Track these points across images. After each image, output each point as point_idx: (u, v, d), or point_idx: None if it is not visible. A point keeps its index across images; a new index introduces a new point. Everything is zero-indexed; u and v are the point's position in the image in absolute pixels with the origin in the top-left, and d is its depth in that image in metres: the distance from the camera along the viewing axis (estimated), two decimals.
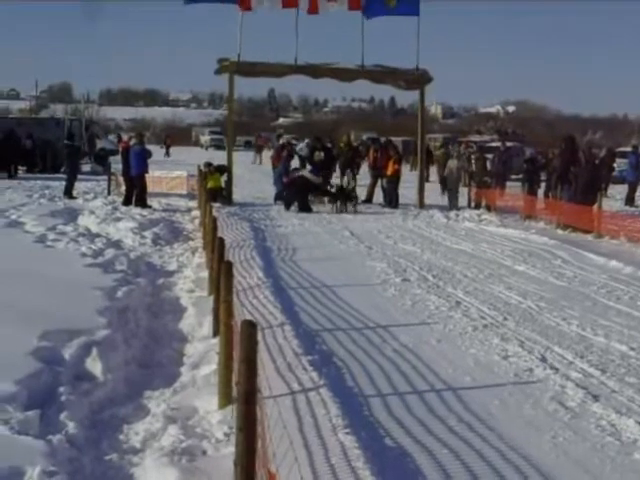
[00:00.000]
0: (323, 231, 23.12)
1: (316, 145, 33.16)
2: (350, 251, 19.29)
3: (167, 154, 63.57)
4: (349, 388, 8.88)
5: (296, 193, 28.64)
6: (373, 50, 32.26)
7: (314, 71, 31.89)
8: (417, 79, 32.12)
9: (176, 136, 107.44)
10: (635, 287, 14.91)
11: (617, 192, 34.71)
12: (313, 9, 30.44)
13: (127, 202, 28.05)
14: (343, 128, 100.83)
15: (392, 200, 30.65)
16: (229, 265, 8.86)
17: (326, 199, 29.20)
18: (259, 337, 7.17)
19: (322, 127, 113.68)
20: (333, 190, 29.58)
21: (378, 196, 31.65)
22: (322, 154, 31.78)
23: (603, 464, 6.95)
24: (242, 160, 48.92)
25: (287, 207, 28.67)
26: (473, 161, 33.20)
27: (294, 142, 55.71)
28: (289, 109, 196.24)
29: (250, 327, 5.57)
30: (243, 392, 5.40)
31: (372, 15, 31.21)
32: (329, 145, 35.26)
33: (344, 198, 28.76)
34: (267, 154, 63.56)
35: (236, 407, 5.54)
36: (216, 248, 11.41)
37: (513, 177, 34.87)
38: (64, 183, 31.30)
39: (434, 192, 33.32)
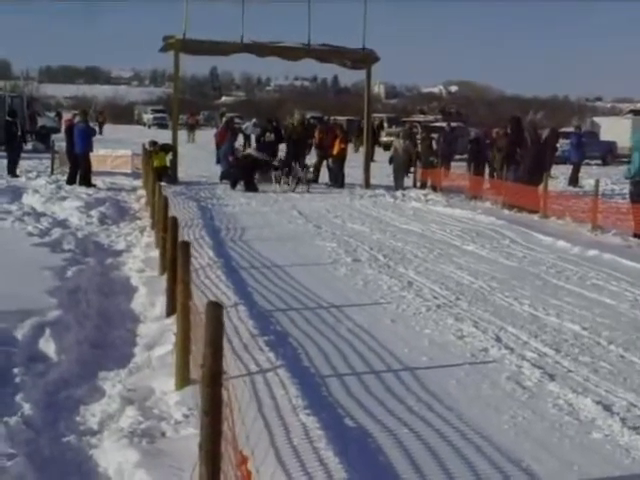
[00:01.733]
0: (271, 210, 23.07)
1: (267, 126, 33.51)
2: (299, 230, 19.26)
3: (100, 132, 62.89)
4: (306, 368, 8.85)
5: (242, 172, 28.51)
6: (319, 29, 32.18)
7: (261, 50, 31.75)
8: (363, 58, 32.14)
9: (118, 114, 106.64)
10: (584, 267, 15.05)
11: (560, 172, 34.98)
12: None
13: (71, 181, 27.75)
14: (286, 107, 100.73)
15: (338, 180, 30.65)
16: (186, 245, 8.79)
17: (274, 178, 29.06)
18: None
19: (265, 106, 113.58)
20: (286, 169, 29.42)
21: (324, 176, 31.62)
22: (272, 135, 32.05)
23: (562, 443, 7.00)
24: (183, 139, 48.60)
25: (233, 186, 28.55)
26: (419, 141, 33.22)
27: (238, 121, 55.53)
28: (232, 87, 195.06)
29: (216, 308, 5.51)
30: (209, 374, 5.34)
31: None
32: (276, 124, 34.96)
33: (300, 176, 28.93)
34: (200, 133, 63.39)
35: (200, 389, 5.47)
36: (169, 227, 11.30)
37: (458, 157, 34.99)
38: (5, 161, 30.87)
39: (380, 172, 33.35)
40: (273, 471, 5.97)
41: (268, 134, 32.28)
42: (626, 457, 6.71)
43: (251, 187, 28.09)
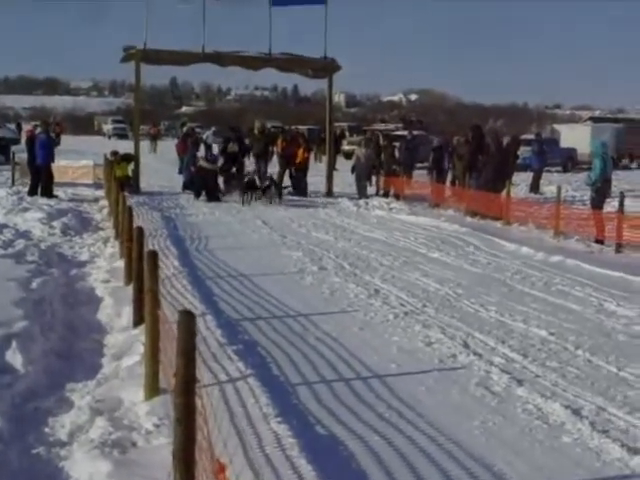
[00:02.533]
0: (234, 220, 23.05)
1: (230, 136, 32.77)
2: (264, 240, 19.25)
3: (56, 143, 62.41)
4: (276, 377, 8.85)
5: (204, 182, 28.46)
6: (280, 39, 32.16)
7: (222, 59, 31.71)
8: (325, 67, 32.19)
9: (77, 125, 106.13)
10: (548, 273, 15.16)
11: (521, 180, 35.18)
12: None
13: (33, 192, 27.54)
14: (247, 116, 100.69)
15: (301, 188, 30.67)
16: (154, 254, 8.77)
17: (237, 191, 28.28)
18: None
19: (226, 115, 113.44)
20: (266, 183, 28.43)
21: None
22: (236, 145, 31.12)
23: (533, 447, 7.05)
24: (145, 150, 48.42)
25: (196, 196, 28.49)
26: (381, 149, 33.30)
27: (198, 130, 55.43)
28: (192, 97, 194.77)
29: (188, 317, 5.50)
30: (181, 383, 5.34)
31: (279, 4, 31.12)
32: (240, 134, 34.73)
33: (274, 190, 27.96)
34: (162, 143, 63.17)
35: (173, 398, 5.46)
36: (135, 237, 11.26)
37: (419, 165, 35.11)
38: None
39: (342, 181, 33.40)
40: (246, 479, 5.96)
41: (231, 144, 31.11)
42: (596, 460, 6.77)
43: (213, 197, 28.04)
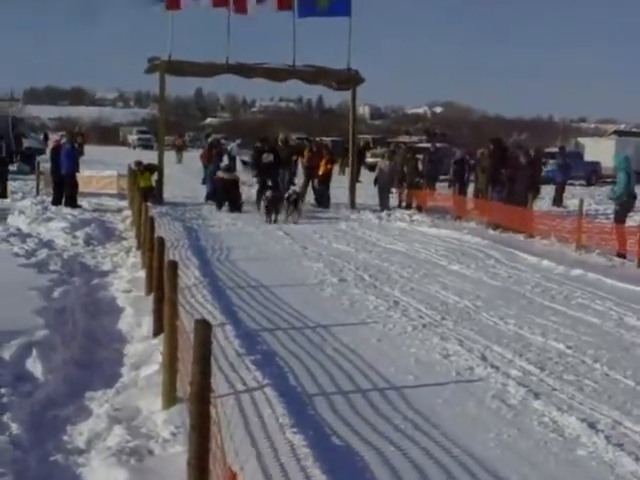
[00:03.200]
0: (257, 231, 23.11)
1: (263, 147, 31.23)
2: (285, 251, 19.31)
3: (80, 153, 62.56)
4: (293, 387, 8.89)
5: (226, 193, 28.55)
6: (304, 50, 32.26)
7: (246, 71, 31.82)
8: (349, 79, 32.19)
9: (103, 135, 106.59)
10: (568, 286, 15.15)
11: (545, 192, 35.09)
12: (241, 9, 30.43)
13: (57, 202, 27.71)
14: (272, 128, 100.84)
15: (324, 200, 30.71)
16: (174, 264, 8.82)
17: (261, 207, 26.82)
18: None
19: (251, 127, 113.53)
20: (292, 197, 26.49)
21: (309, 196, 31.68)
22: (270, 156, 29.81)
23: (548, 460, 7.06)
24: (171, 160, 48.63)
25: (219, 207, 28.58)
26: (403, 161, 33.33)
27: (223, 141, 55.57)
28: (217, 109, 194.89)
29: (205, 326, 5.57)
30: (197, 391, 5.40)
31: (303, 15, 31.19)
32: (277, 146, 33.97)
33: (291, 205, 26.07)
34: (187, 154, 63.35)
35: (189, 406, 5.52)
36: (156, 247, 11.33)
37: (442, 178, 35.12)
38: None
39: (365, 193, 33.43)
40: None
41: (266, 155, 29.82)
42: (610, 473, 6.78)
43: (235, 208, 28.13)
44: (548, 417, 8.10)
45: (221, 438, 5.26)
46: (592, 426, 7.81)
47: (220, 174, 29.45)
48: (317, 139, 52.44)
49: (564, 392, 8.90)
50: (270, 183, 28.68)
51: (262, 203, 26.93)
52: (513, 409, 8.34)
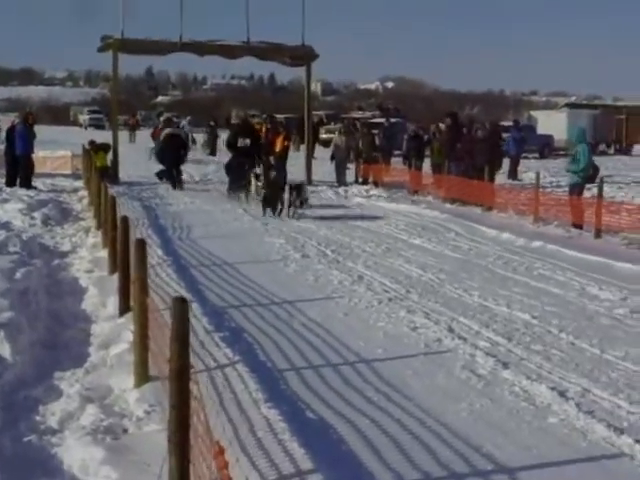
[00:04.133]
0: (215, 209, 23.04)
1: (239, 130, 27.70)
2: (246, 228, 19.30)
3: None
4: (263, 363, 8.92)
5: (171, 151, 29.13)
6: (257, 27, 32.10)
7: (200, 48, 31.73)
8: (303, 55, 32.15)
9: (53, 115, 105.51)
10: (529, 258, 15.30)
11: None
12: None
13: (11, 183, 27.46)
14: (224, 105, 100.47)
15: (281, 177, 30.63)
16: (142, 243, 8.79)
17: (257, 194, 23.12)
18: (167, 316, 7.19)
19: (202, 105, 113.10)
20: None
21: None
22: (247, 140, 26.22)
23: (520, 428, 7.14)
24: (123, 140, 48.30)
25: (173, 186, 28.52)
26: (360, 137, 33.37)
27: (175, 120, 55.27)
28: (168, 87, 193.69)
29: (182, 304, 5.56)
30: (176, 369, 5.40)
31: None
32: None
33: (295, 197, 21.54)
34: (139, 133, 62.94)
35: (169, 384, 5.52)
36: (121, 227, 11.29)
37: (397, 153, 35.17)
38: None
39: (321, 169, 33.39)
40: (240, 463, 6.02)
41: (242, 139, 26.23)
42: (582, 440, 6.87)
43: (179, 185, 28.69)
44: (518, 386, 8.18)
45: (205, 415, 5.26)
46: (562, 394, 7.90)
47: (167, 130, 29.50)
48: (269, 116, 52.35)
49: (532, 362, 9.00)
50: (247, 168, 25.05)
51: (249, 191, 23.89)
52: (483, 379, 8.42)
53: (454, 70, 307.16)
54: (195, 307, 10.92)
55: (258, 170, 24.36)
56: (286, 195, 21.80)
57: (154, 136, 35.58)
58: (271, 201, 21.52)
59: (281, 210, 21.43)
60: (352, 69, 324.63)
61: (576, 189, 20.15)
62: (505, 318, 10.87)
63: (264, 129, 32.11)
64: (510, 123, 43.34)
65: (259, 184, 23.28)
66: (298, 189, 21.81)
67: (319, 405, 7.62)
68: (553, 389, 8.03)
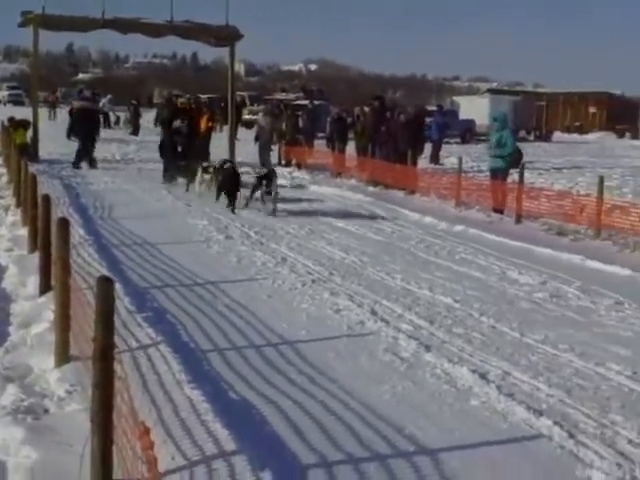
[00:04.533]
0: (136, 188, 22.84)
1: (178, 110, 25.77)
2: (168, 208, 19.18)
3: None
4: (187, 344, 8.88)
5: (84, 123, 28.86)
6: (180, 6, 31.84)
7: (122, 26, 31.28)
8: (227, 36, 31.94)
9: None
10: (451, 242, 15.45)
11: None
12: None
13: None
14: (146, 84, 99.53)
15: (204, 157, 30.47)
16: (65, 222, 8.67)
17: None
18: (89, 296, 7.11)
19: (124, 83, 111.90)
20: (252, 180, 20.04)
21: None
22: (185, 126, 24.80)
23: (442, 410, 7.21)
24: (44, 117, 47.60)
25: (90, 164, 28.24)
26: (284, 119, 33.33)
27: (96, 97, 54.59)
28: (89, 64, 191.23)
29: (106, 283, 5.52)
30: (100, 348, 5.35)
31: None
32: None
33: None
34: (59, 110, 62.09)
35: (92, 363, 5.46)
36: (42, 205, 11.13)
37: (320, 135, 35.21)
38: None
39: (244, 150, 33.26)
40: (164, 444, 6.00)
41: (178, 122, 24.74)
42: (503, 422, 6.96)
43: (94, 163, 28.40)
44: (440, 369, 8.26)
45: (129, 395, 5.23)
46: (483, 377, 7.99)
47: (78, 104, 29.25)
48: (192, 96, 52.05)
49: (454, 345, 9.08)
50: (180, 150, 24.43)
51: (204, 181, 21.08)
52: (406, 362, 8.48)
53: (377, 54, 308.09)
54: (117, 287, 10.78)
55: (205, 163, 21.78)
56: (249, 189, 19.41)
57: (71, 113, 35.05)
58: (230, 194, 18.83)
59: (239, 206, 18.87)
60: (275, 50, 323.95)
61: (500, 174, 20.35)
62: (427, 301, 10.96)
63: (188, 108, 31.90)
64: (434, 108, 43.61)
65: (206, 176, 20.66)
66: (268, 178, 18.96)
67: (242, 386, 7.61)
68: (474, 372, 8.11)
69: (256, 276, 12.24)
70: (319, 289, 11.45)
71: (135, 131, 48.91)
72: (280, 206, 19.47)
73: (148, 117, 54.96)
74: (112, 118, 54.21)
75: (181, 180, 23.03)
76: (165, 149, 25.07)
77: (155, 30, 31.87)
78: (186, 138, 24.70)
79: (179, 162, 23.74)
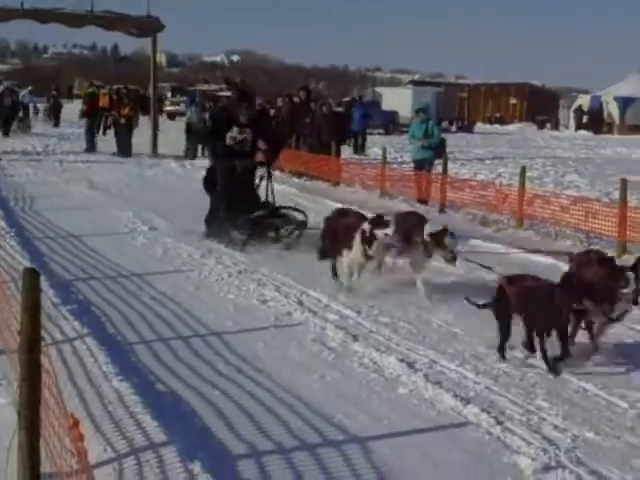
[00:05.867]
0: (59, 180, 22.61)
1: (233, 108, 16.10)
2: (92, 200, 19.00)
3: None
4: (113, 336, 8.83)
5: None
6: None
7: (42, 16, 30.95)
8: (149, 26, 31.76)
9: None
10: None
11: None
12: None
13: None
14: (66, 75, 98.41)
15: (126, 149, 30.28)
16: None
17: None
18: (13, 288, 7.02)
19: (43, 74, 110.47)
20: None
21: (111, 145, 31.17)
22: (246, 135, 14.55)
23: (371, 399, 7.24)
24: None
25: None
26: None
27: (16, 89, 53.89)
28: (7, 54, 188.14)
29: (32, 274, 5.45)
30: (26, 341, 5.28)
31: None
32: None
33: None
34: None
35: (18, 356, 5.40)
36: None
37: None
38: None
39: (165, 142, 33.03)
40: (94, 437, 5.96)
41: (235, 132, 14.36)
42: (432, 410, 7.01)
43: None
44: (368, 358, 8.29)
45: (57, 387, 5.17)
46: (411, 365, 8.04)
47: None
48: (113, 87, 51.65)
49: (381, 334, 9.13)
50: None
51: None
52: (334, 351, 8.51)
53: (299, 45, 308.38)
54: (41, 280, 10.68)
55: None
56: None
57: None
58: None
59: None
60: (197, 41, 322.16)
61: (426, 165, 20.48)
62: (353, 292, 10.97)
63: (107, 100, 31.70)
64: (356, 98, 43.78)
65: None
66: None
67: (170, 378, 7.58)
68: (402, 361, 8.16)
69: (182, 267, 12.20)
70: (246, 280, 11.43)
71: (57, 123, 48.35)
72: (198, 197, 19.34)
73: (69, 108, 54.25)
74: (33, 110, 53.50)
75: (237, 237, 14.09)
76: (220, 182, 14.55)
77: (75, 20, 31.56)
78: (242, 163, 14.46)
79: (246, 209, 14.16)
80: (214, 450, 6.09)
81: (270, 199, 14.58)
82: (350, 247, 10.77)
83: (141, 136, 32.13)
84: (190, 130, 31.23)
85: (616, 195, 16.25)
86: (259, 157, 14.50)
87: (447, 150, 21.61)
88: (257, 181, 14.75)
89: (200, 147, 31.06)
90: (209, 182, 14.85)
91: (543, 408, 7.05)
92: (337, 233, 11.32)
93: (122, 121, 30.37)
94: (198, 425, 6.57)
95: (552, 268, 12.07)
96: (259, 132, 14.58)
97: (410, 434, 6.52)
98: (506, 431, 6.52)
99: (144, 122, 34.08)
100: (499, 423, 6.67)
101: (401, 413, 6.92)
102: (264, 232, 13.90)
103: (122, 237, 14.45)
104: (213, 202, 14.62)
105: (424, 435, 6.52)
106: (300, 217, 14.26)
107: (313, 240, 12.60)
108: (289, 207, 14.76)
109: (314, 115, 26.15)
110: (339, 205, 15.65)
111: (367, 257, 10.75)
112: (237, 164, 14.17)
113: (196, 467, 5.63)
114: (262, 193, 14.75)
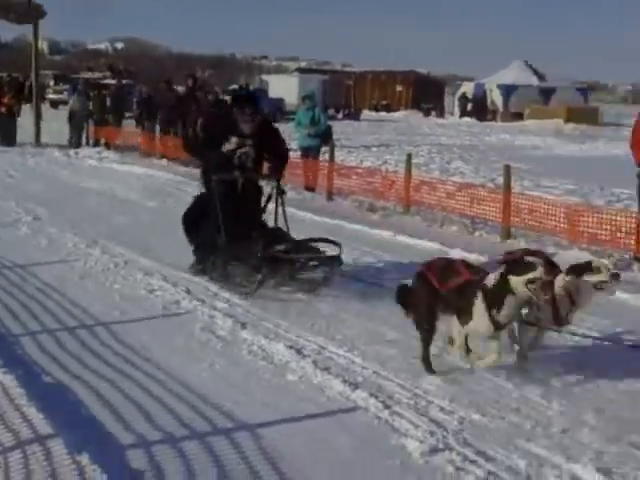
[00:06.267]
0: None
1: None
2: None
3: None
4: None
5: None
6: None
7: None
8: (30, 13, 31.13)
9: None
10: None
11: None
12: None
13: None
14: None
15: (10, 137, 29.70)
16: None
17: None
18: None
19: None
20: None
21: None
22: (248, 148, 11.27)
23: (260, 386, 7.23)
24: None
25: None
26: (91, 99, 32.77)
27: None
28: None
29: None
30: None
31: None
32: None
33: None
34: None
35: None
36: None
37: (128, 115, 34.72)
38: None
39: (48, 130, 32.47)
40: None
41: (234, 142, 10.98)
42: (321, 395, 7.03)
43: None
44: (257, 345, 8.28)
45: None
46: (299, 352, 8.06)
47: None
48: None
49: (269, 321, 9.13)
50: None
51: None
52: (222, 340, 8.48)
53: (185, 33, 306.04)
54: None
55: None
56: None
57: None
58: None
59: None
60: (81, 28, 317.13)
61: (313, 152, 20.54)
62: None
63: None
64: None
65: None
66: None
67: (56, 369, 7.47)
68: (291, 347, 8.17)
69: (67, 258, 12.02)
70: (133, 269, 11.32)
71: None
72: (87, 186, 19.19)
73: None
74: None
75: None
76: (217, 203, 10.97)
77: None
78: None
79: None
80: (102, 441, 6.01)
81: (282, 225, 11.28)
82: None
83: (24, 125, 31.52)
84: (73, 118, 30.73)
85: (500, 181, 16.52)
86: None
87: (334, 137, 21.71)
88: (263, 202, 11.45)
89: (84, 136, 30.67)
90: (191, 219, 11.57)
91: (430, 391, 7.13)
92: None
93: (3, 110, 29.68)
94: (85, 416, 6.48)
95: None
96: (265, 145, 11.22)
97: (300, 420, 6.52)
98: (394, 415, 6.58)
99: (26, 111, 33.39)
100: (387, 407, 6.72)
101: (291, 399, 6.93)
102: (284, 270, 10.57)
103: (5, 227, 14.17)
104: (206, 228, 11.16)
105: (314, 420, 6.54)
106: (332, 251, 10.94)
107: None
108: (320, 239, 11.32)
109: (200, 103, 25.99)
110: None
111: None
112: (238, 175, 10.92)
113: (84, 459, 5.55)
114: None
